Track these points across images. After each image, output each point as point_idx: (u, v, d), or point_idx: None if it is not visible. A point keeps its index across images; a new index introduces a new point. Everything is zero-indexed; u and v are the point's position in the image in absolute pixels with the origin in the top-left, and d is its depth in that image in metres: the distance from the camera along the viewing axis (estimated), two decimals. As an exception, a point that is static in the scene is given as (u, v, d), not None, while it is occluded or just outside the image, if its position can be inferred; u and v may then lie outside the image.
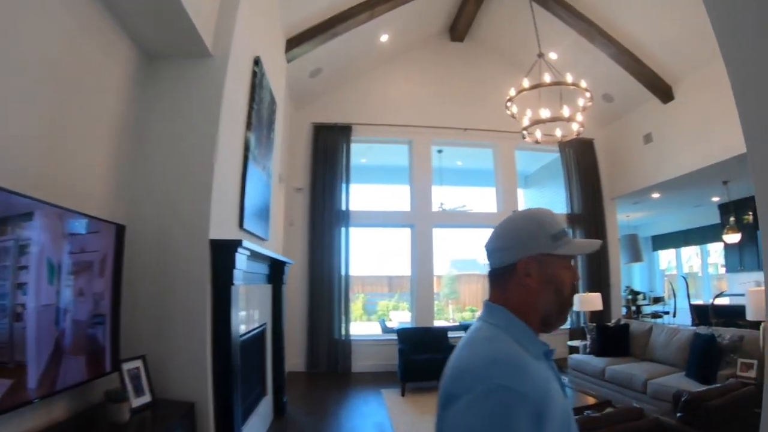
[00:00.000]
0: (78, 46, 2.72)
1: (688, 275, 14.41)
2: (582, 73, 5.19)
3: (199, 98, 3.53)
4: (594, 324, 6.36)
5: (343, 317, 7.84)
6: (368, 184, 11.63)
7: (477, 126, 8.87)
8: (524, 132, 5.47)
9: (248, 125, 4.23)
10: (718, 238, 12.20)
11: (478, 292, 17.03)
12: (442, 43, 9.30)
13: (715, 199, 11.11)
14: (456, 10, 8.80)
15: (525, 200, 11.65)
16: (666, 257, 15.44)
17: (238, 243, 3.18)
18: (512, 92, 5.25)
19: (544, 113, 5.07)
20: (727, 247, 11.65)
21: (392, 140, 8.86)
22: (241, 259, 3.34)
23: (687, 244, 13.77)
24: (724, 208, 11.49)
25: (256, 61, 4.51)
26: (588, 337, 6.34)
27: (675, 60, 7.66)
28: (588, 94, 5.21)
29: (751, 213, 10.91)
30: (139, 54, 3.41)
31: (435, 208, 9.06)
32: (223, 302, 3.22)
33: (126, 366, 2.87)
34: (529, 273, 1.09)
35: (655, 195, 9.96)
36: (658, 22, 7.17)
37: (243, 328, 3.97)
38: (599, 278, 8.84)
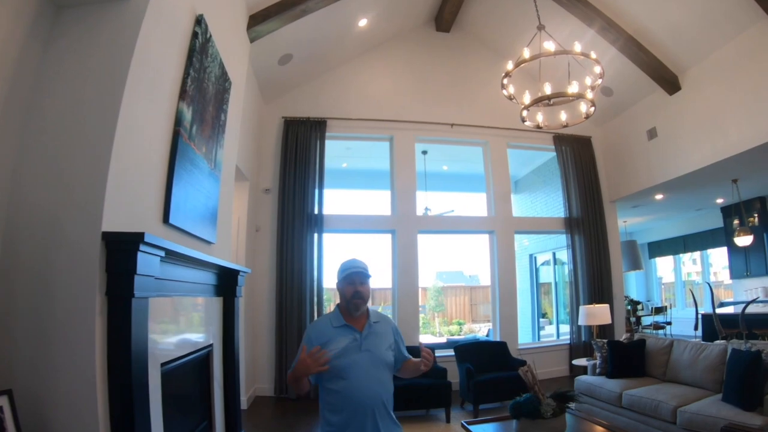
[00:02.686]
0: None
1: (685, 283, 13.73)
2: (578, 64, 4.45)
3: (105, 51, 2.65)
4: (605, 340, 5.48)
5: (316, 335, 6.88)
6: (349, 190, 10.80)
7: (465, 122, 8.04)
8: (524, 113, 4.61)
9: (182, 94, 3.33)
10: (721, 243, 11.55)
11: (466, 304, 16.27)
12: (427, 33, 8.48)
13: (720, 200, 10.44)
14: (441, -4, 8.02)
15: (515, 206, 10.82)
16: (661, 265, 14.73)
17: (138, 237, 2.26)
18: (509, 66, 4.40)
19: (548, 89, 4.23)
20: (733, 252, 10.97)
21: (371, 136, 7.98)
22: (148, 261, 2.42)
23: (686, 250, 13.08)
24: (728, 211, 10.84)
25: (199, 21, 3.64)
26: (598, 355, 5.46)
27: (681, 46, 6.96)
28: (599, 69, 4.39)
29: (757, 215, 10.25)
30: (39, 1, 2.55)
31: (420, 212, 8.18)
32: (120, 321, 2.30)
33: (-23, 406, 1.96)
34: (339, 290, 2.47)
35: (659, 196, 9.22)
36: (662, 4, 6.45)
37: (169, 353, 3.04)
38: (601, 289, 8.00)
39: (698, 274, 13.83)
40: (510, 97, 4.61)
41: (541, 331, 11.49)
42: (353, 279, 2.39)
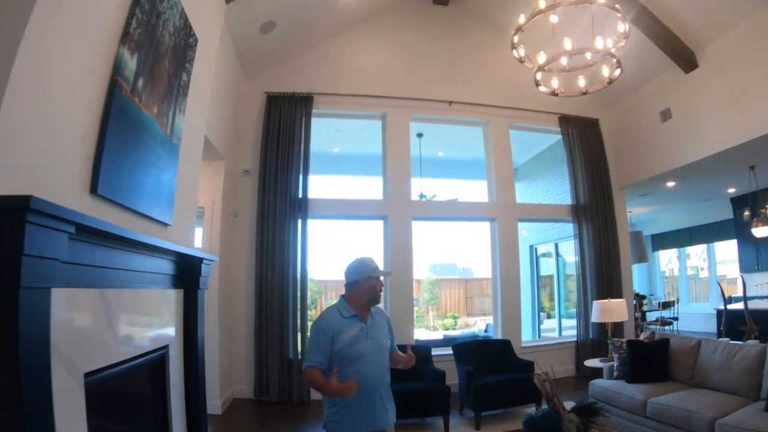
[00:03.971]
0: None
1: (690, 277, 13.19)
2: (598, 22, 3.89)
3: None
4: (623, 340, 4.87)
5: (299, 332, 6.24)
6: (340, 176, 10.17)
7: (464, 99, 7.38)
8: (537, 76, 3.97)
9: (124, 38, 2.67)
10: (729, 236, 11.01)
11: (461, 297, 15.80)
12: (423, 5, 7.75)
13: (731, 190, 9.88)
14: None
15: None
16: (665, 258, 14.19)
17: (22, 201, 1.60)
18: (522, 19, 3.76)
19: (568, 44, 3.60)
20: (743, 245, 10.43)
21: (362, 114, 7.29)
22: (47, 238, 1.76)
23: (692, 242, 12.48)
24: (738, 202, 10.30)
25: (148, -45, 2.97)
26: (615, 356, 4.84)
27: (699, 19, 6.37)
28: (625, 26, 3.77)
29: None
30: None
31: (414, 197, 7.52)
32: (2, 319, 1.66)
33: None
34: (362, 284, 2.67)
35: (670, 184, 8.64)
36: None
37: (98, 359, 2.39)
38: (609, 282, 7.41)
39: (692, 268, 13.34)
40: (521, 60, 3.97)
41: (540, 326, 10.91)
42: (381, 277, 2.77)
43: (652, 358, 4.65)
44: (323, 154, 9.41)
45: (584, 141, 7.84)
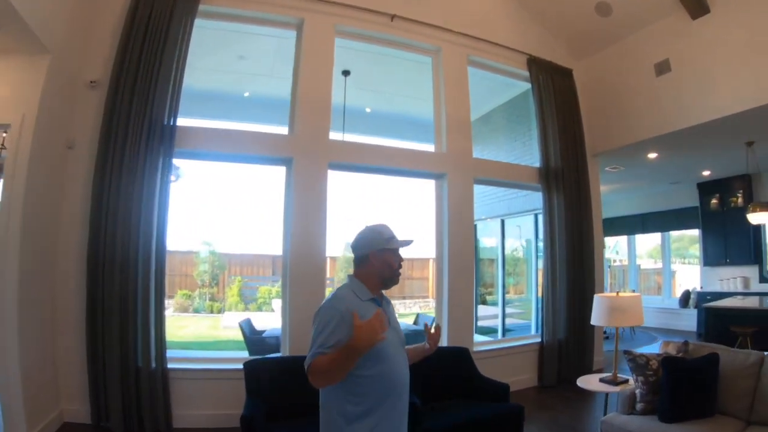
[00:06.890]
0: None
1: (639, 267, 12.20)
2: None
3: None
4: (652, 356, 3.18)
5: (153, 329, 4.13)
6: (247, 123, 8.09)
7: (412, 16, 5.46)
8: None
9: None
10: (692, 225, 9.97)
11: (382, 277, 14.33)
12: None
13: (706, 173, 8.81)
14: None
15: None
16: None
17: None
18: None
19: None
20: (708, 235, 9.36)
21: (269, 18, 5.08)
22: None
23: (645, 230, 11.41)
24: (706, 188, 9.29)
25: None
26: (638, 380, 3.15)
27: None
28: None
29: (740, 194, 8.63)
30: None
31: (334, 136, 5.40)
32: None
33: None
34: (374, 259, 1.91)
35: (652, 155, 7.33)
36: None
37: None
38: (582, 272, 5.89)
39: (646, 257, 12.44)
40: None
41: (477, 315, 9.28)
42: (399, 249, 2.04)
43: (695, 383, 2.98)
44: (227, 96, 7.37)
45: (557, 92, 6.23)
